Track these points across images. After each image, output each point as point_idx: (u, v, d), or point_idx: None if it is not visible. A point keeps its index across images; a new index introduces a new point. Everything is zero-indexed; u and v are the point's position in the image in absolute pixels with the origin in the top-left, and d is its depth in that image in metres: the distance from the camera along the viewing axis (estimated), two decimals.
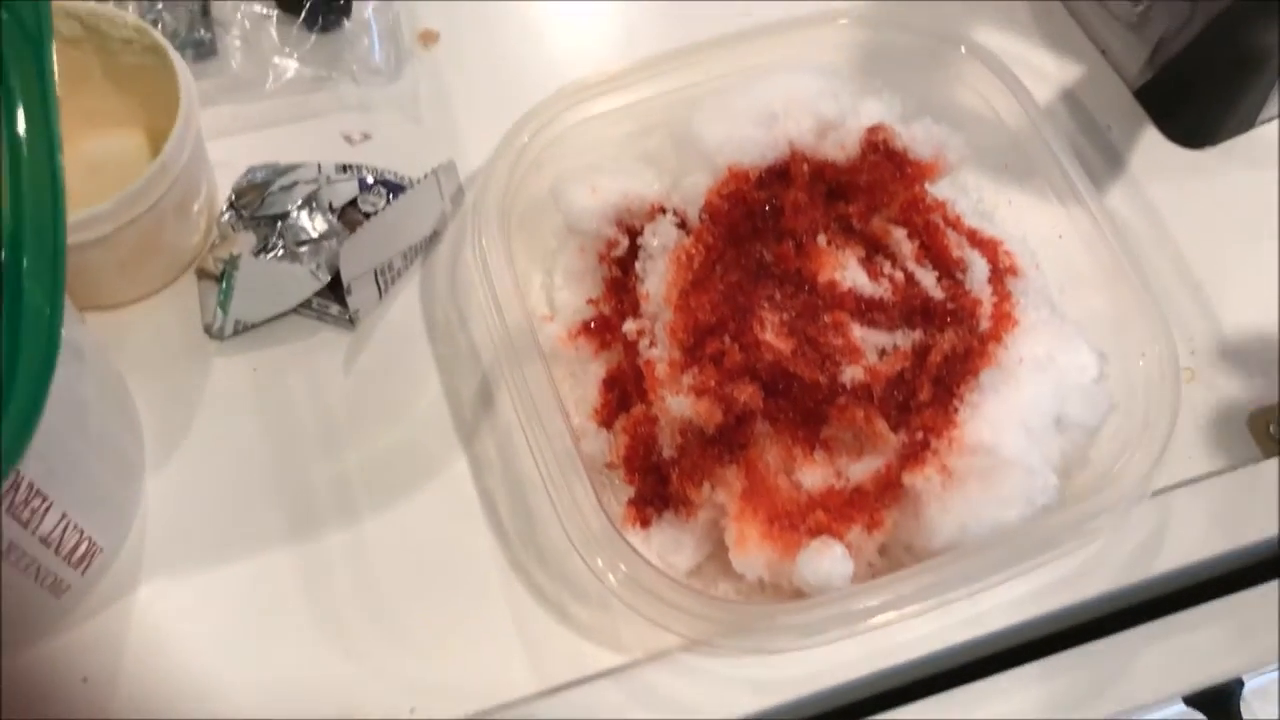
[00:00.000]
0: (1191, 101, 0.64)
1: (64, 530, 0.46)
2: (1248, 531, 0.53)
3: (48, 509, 0.44)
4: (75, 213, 0.49)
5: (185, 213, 0.55)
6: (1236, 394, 0.57)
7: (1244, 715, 0.56)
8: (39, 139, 0.42)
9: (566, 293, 0.57)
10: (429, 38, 0.66)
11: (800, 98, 0.55)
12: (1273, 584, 0.53)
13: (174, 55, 0.54)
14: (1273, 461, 0.55)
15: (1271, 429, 0.56)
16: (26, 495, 0.43)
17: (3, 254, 0.40)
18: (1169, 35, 0.62)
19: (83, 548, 0.48)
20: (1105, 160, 0.64)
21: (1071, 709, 0.50)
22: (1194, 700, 0.55)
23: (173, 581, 0.51)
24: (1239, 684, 0.56)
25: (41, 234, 0.41)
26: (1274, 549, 0.55)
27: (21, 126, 0.42)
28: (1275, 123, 0.65)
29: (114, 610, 0.50)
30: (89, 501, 0.48)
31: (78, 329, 0.49)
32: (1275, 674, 0.55)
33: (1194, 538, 0.53)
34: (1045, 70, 0.67)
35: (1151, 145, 0.64)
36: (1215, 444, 0.56)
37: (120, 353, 0.55)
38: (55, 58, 0.55)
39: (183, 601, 0.51)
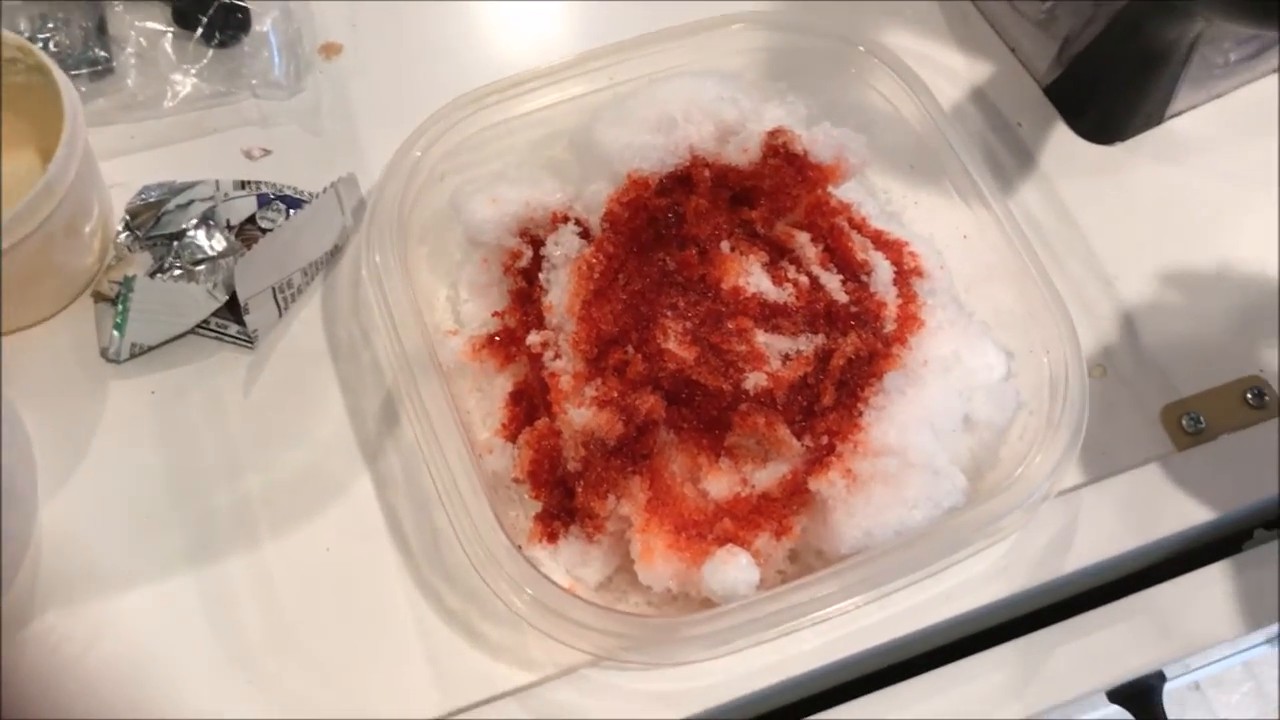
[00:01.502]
0: (1099, 97, 0.64)
1: None
2: (1159, 526, 0.53)
3: None
4: None
5: (76, 235, 0.54)
6: (1149, 388, 0.57)
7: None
8: None
9: (472, 305, 0.56)
10: (331, 49, 0.65)
11: (700, 102, 0.54)
12: (1190, 575, 0.53)
13: (58, 74, 0.52)
14: (1184, 454, 0.55)
15: (1184, 422, 0.56)
16: None
17: None
18: (1075, 32, 0.62)
19: None
20: (1015, 157, 0.64)
21: (993, 709, 0.50)
22: (1117, 695, 0.55)
23: (69, 614, 0.50)
24: (1160, 677, 0.56)
25: None
26: (1189, 541, 0.55)
27: None
28: (1184, 118, 0.65)
29: (5, 648, 0.49)
30: None
31: None
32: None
33: (1104, 534, 0.53)
34: (955, 68, 0.67)
35: (1061, 141, 0.64)
36: (1130, 438, 0.56)
37: (12, 380, 0.54)
38: None
39: (80, 635, 0.50)
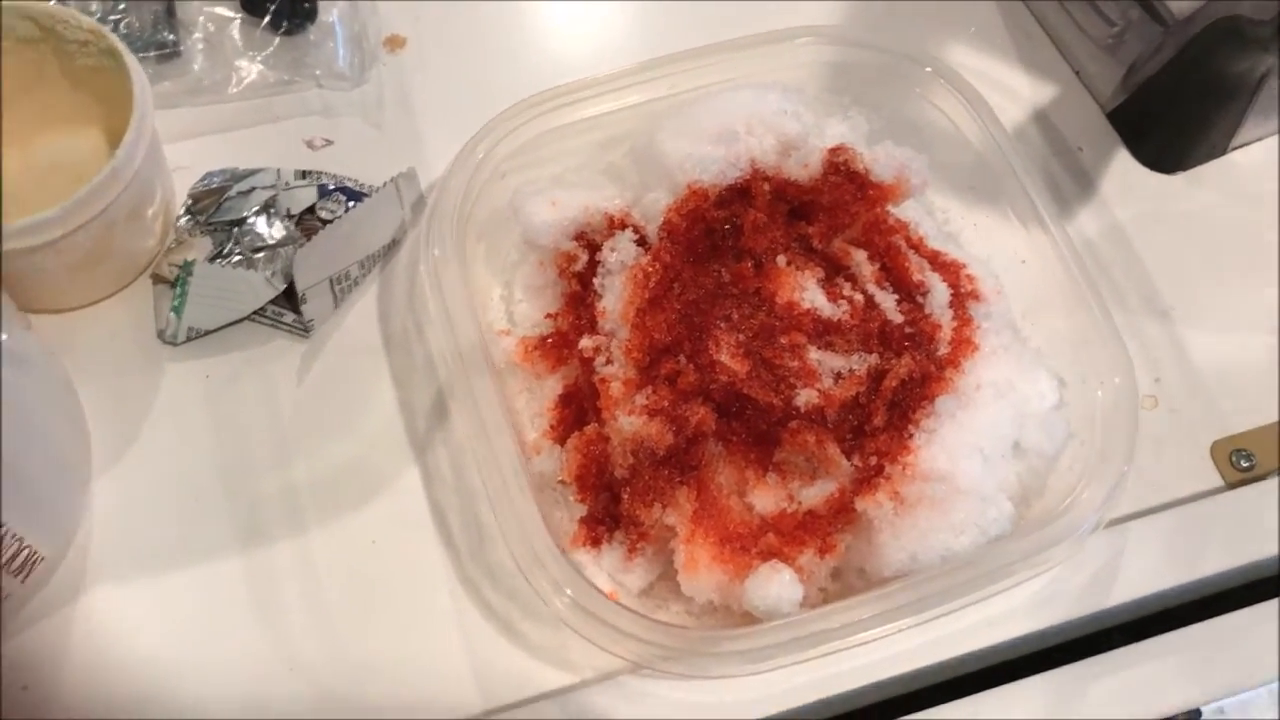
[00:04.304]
0: (1163, 126, 0.63)
1: (1, 539, 0.45)
2: (1205, 563, 0.53)
3: None
4: (23, 217, 0.49)
5: (139, 218, 0.55)
6: (1200, 422, 0.57)
7: None
8: None
9: (526, 306, 0.56)
10: (395, 43, 0.65)
11: (763, 115, 0.54)
12: (1235, 614, 0.53)
13: (129, 59, 0.53)
14: (1233, 492, 0.55)
15: (1233, 459, 0.56)
16: None
17: None
18: (1142, 59, 0.62)
19: (22, 556, 0.47)
20: (1075, 181, 0.63)
21: None
22: None
23: (117, 590, 0.51)
24: (1196, 714, 0.56)
25: None
26: (1233, 580, 0.54)
27: None
28: (1247, 149, 0.64)
29: (57, 618, 0.50)
30: (30, 509, 0.47)
31: (21, 334, 0.48)
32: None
33: (1149, 569, 0.52)
34: (1019, 89, 0.66)
35: (1122, 168, 0.64)
36: (1179, 472, 0.55)
37: (70, 357, 0.54)
38: (7, 59, 0.55)
39: (127, 610, 0.50)
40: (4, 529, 0.45)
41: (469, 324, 0.51)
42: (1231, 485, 0.55)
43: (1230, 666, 0.52)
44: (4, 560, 0.46)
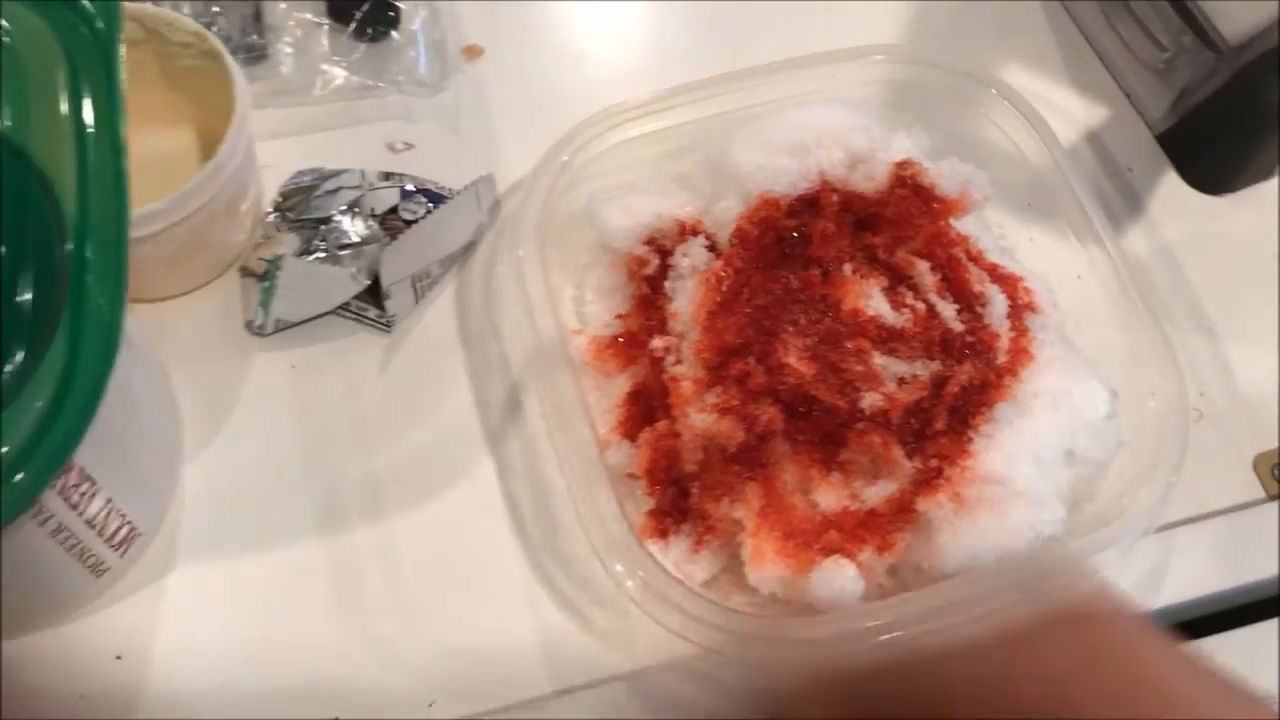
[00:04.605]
0: (1212, 149, 0.65)
1: (108, 514, 0.48)
2: (1249, 571, 0.55)
3: (95, 493, 0.46)
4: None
5: (233, 212, 0.57)
6: (1243, 436, 0.59)
7: None
8: (105, 137, 0.44)
9: (596, 307, 0.59)
10: (473, 53, 0.68)
11: (832, 130, 0.57)
12: (1272, 622, 0.55)
13: (230, 61, 0.55)
14: (1274, 505, 0.57)
15: (1275, 472, 0.58)
16: (76, 479, 0.45)
17: (69, 246, 0.42)
18: (1193, 84, 0.64)
19: (124, 531, 0.50)
20: (1125, 201, 0.65)
21: None
22: None
23: (205, 567, 0.53)
24: None
25: (105, 229, 0.43)
26: (1275, 588, 0.56)
27: (90, 123, 0.44)
28: None
29: (148, 592, 0.52)
30: (132, 487, 0.50)
31: (129, 319, 0.51)
32: None
33: (1195, 574, 0.54)
34: (1071, 111, 0.68)
35: (1171, 189, 0.66)
36: (1221, 483, 0.58)
37: (163, 345, 0.57)
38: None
39: (214, 587, 0.53)
40: (112, 504, 0.48)
41: (550, 320, 0.53)
42: (1273, 497, 0.57)
43: (1269, 671, 0.53)
44: (108, 534, 0.49)
